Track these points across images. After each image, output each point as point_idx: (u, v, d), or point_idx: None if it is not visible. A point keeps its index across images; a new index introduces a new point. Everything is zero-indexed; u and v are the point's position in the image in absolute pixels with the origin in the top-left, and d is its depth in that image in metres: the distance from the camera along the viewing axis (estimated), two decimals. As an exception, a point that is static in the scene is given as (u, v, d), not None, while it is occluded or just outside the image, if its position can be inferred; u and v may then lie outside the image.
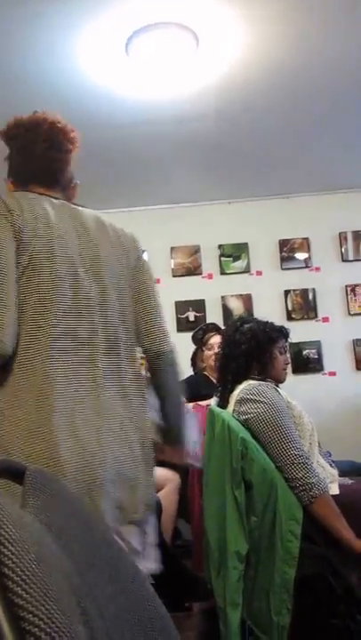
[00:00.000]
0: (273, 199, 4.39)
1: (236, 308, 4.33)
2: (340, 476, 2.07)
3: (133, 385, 1.35)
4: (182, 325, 4.26)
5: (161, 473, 2.95)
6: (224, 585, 1.74)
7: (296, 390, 2.37)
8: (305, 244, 4.40)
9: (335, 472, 2.07)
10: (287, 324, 2.46)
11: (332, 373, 4.26)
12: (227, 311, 4.32)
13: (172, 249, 4.43)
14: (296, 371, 4.16)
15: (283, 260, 4.39)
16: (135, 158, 3.60)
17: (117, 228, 1.49)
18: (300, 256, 4.40)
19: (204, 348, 3.43)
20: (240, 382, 2.07)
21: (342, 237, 4.40)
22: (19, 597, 0.39)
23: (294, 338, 3.15)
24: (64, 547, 0.52)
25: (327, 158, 3.87)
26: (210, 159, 3.65)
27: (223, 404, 2.13)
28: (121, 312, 1.37)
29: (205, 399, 2.91)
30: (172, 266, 4.43)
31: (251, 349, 2.10)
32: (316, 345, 4.28)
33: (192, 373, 3.46)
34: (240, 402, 1.97)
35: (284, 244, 4.40)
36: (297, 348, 4.18)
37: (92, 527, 0.69)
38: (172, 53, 2.52)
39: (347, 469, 2.31)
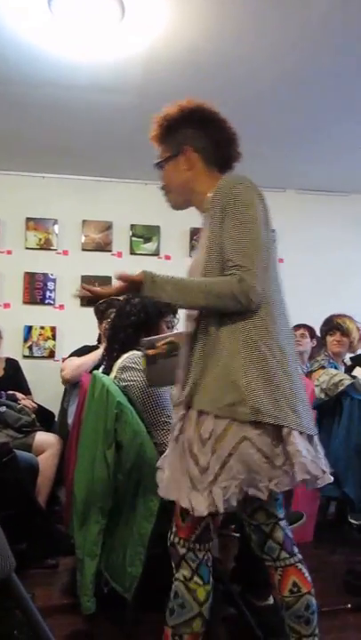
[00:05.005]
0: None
1: (141, 288, 4.41)
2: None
3: None
4: (86, 300, 4.28)
5: (43, 437, 2.98)
6: (85, 537, 1.82)
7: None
8: (214, 235, 4.56)
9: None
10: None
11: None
12: (132, 290, 4.39)
13: (84, 222, 4.44)
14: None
15: (192, 247, 4.53)
16: (52, 121, 3.55)
17: None
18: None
19: (104, 322, 3.48)
20: (126, 352, 2.15)
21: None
22: None
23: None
24: None
25: (242, 153, 3.99)
26: (129, 135, 3.60)
27: (107, 371, 2.20)
28: None
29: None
30: (83, 240, 4.44)
31: (139, 321, 2.18)
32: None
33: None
34: (122, 369, 2.06)
35: (194, 232, 4.53)
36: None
37: None
38: (97, 18, 2.51)
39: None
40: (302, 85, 3.13)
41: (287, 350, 1.38)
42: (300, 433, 1.32)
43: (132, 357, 2.07)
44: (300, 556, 1.47)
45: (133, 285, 1.38)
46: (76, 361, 3.20)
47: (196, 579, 1.36)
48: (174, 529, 1.42)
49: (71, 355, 3.40)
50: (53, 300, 4.36)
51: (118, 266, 4.35)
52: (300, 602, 1.41)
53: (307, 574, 1.45)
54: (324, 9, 2.50)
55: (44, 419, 3.29)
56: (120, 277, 1.38)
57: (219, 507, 1.26)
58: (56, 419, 3.48)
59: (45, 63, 2.91)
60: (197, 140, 1.54)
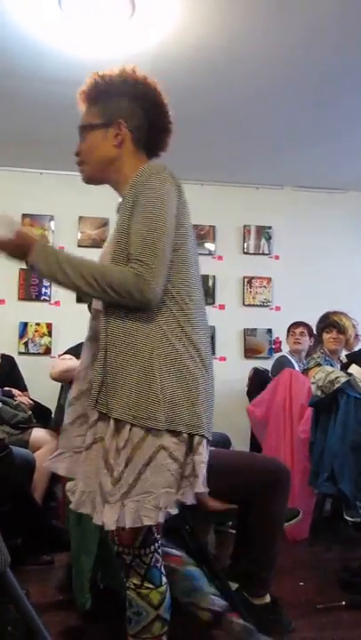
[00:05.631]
0: (186, 183, 4.49)
1: (138, 285, 4.41)
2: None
3: None
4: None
5: (40, 434, 2.98)
6: (81, 533, 1.82)
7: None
8: (211, 232, 4.57)
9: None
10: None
11: (223, 359, 4.46)
12: (128, 287, 4.39)
13: (80, 218, 4.42)
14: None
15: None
16: (53, 117, 3.50)
17: None
18: (206, 243, 4.56)
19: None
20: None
21: (246, 230, 4.62)
22: None
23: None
24: None
25: (243, 150, 3.95)
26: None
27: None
28: None
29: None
30: (79, 236, 4.42)
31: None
32: (210, 330, 4.46)
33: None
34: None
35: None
36: (192, 331, 4.34)
37: None
38: (107, 15, 2.51)
39: (217, 439, 2.50)
40: (303, 82, 3.13)
41: (203, 351, 1.32)
42: (208, 441, 1.29)
43: None
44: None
45: (23, 244, 1.28)
46: (68, 363, 3.16)
47: (146, 584, 1.30)
48: (117, 538, 1.32)
49: (67, 352, 3.40)
50: (49, 296, 4.34)
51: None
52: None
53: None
54: (329, 9, 2.50)
55: (40, 415, 3.29)
56: (16, 234, 1.29)
57: (127, 522, 1.19)
58: (52, 415, 3.47)
59: (54, 60, 2.90)
60: (133, 117, 1.42)
